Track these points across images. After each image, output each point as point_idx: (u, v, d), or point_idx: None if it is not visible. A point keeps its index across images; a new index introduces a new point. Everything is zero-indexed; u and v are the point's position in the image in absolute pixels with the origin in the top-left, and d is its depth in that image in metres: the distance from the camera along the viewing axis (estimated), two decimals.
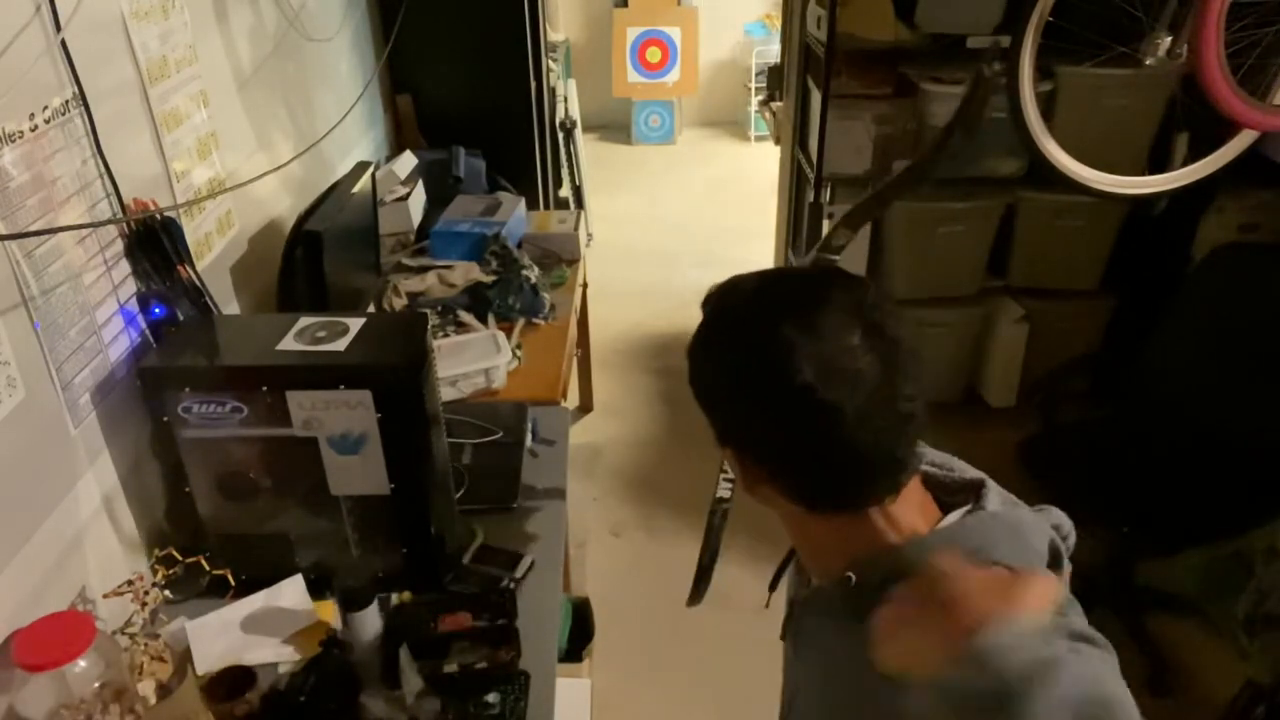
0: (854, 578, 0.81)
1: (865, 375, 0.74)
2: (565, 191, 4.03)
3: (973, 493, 0.86)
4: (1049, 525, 0.85)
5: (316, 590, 1.43)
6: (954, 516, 0.84)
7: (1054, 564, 0.83)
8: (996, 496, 0.85)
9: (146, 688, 1.15)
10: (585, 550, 2.77)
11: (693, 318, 0.89)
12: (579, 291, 2.76)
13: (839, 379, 0.73)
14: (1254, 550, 2.27)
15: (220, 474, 1.38)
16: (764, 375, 0.76)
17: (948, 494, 0.87)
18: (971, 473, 0.88)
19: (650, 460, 3.20)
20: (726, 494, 1.45)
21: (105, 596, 1.30)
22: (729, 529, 1.43)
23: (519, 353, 2.20)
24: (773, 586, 1.03)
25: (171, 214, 1.51)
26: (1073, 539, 0.87)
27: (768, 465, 0.81)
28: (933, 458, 0.89)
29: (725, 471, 1.44)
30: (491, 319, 2.31)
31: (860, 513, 0.81)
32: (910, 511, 0.82)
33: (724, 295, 0.88)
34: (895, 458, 0.78)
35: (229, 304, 1.82)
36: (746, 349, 0.78)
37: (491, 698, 1.26)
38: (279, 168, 1.97)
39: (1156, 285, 2.78)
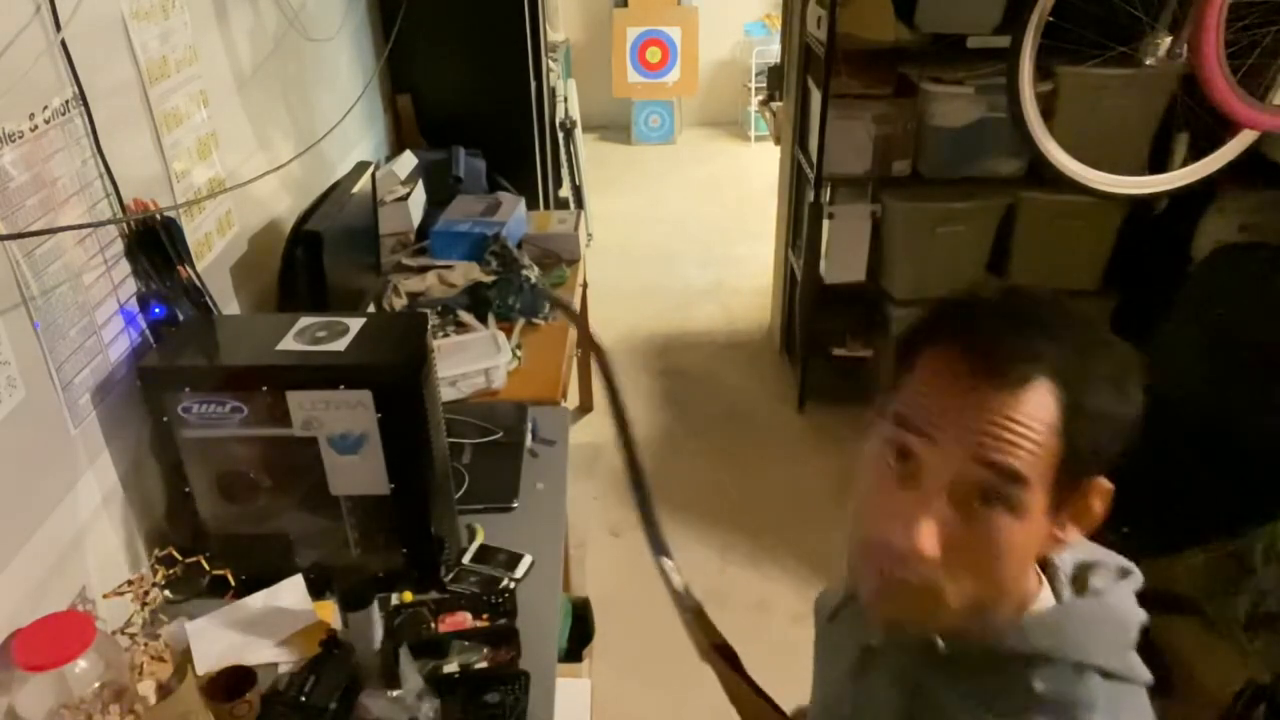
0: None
1: None
2: (565, 191, 4.03)
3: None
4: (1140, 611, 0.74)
5: (316, 590, 1.43)
6: (1063, 592, 0.74)
7: None
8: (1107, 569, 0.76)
9: (146, 688, 1.15)
10: (585, 550, 2.77)
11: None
12: (579, 291, 2.76)
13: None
14: (1254, 550, 2.27)
15: (220, 474, 1.38)
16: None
17: None
18: None
19: (650, 460, 3.19)
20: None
21: (105, 596, 1.30)
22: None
23: (519, 353, 2.20)
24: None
25: (171, 214, 1.51)
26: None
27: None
28: None
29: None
30: (491, 319, 2.31)
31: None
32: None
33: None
34: None
35: (229, 304, 1.82)
36: None
37: (491, 698, 1.26)
38: (279, 168, 1.97)
39: (1156, 285, 2.78)
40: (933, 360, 0.68)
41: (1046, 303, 0.69)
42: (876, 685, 0.80)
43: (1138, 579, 0.76)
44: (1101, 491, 0.68)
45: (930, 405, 0.66)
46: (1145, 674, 0.70)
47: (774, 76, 3.93)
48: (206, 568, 1.40)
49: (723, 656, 1.09)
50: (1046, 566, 0.75)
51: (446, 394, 1.97)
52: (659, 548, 1.13)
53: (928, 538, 0.65)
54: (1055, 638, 0.69)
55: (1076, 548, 0.75)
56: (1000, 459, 0.63)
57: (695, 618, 1.12)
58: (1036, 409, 0.63)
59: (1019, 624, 0.70)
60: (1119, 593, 0.74)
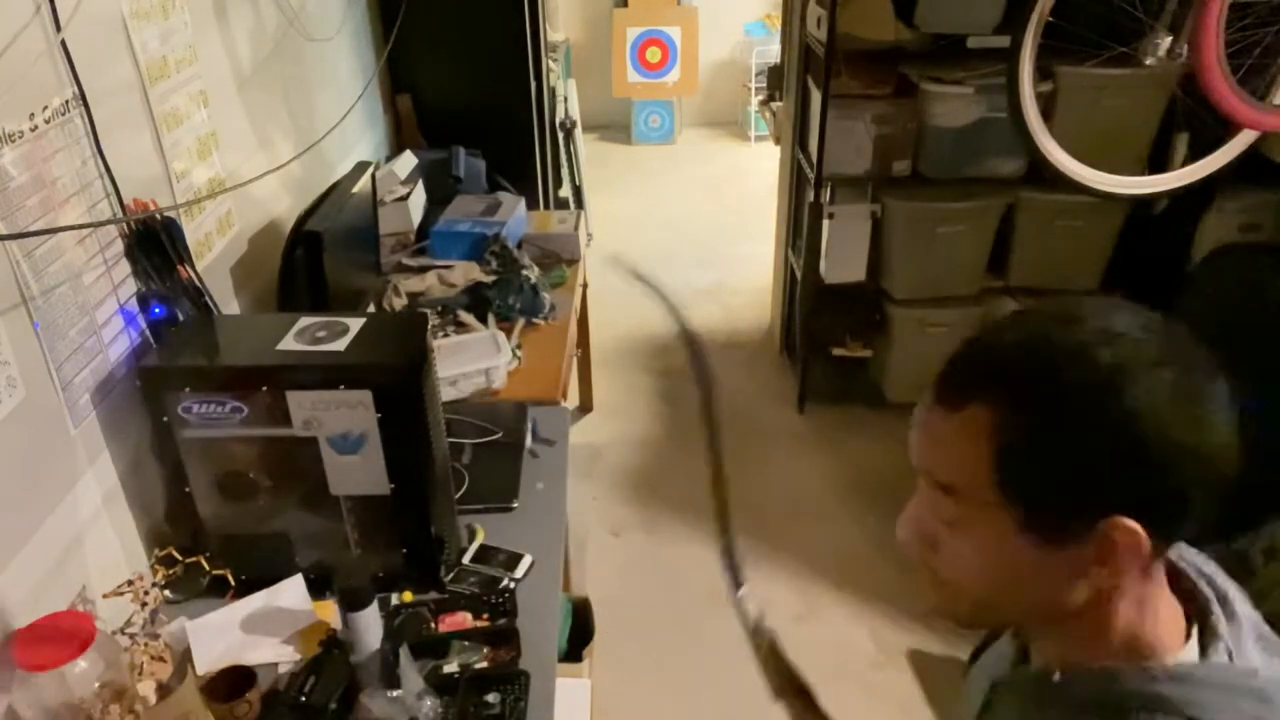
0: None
1: None
2: (565, 191, 4.03)
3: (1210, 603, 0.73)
4: None
5: (316, 590, 1.43)
6: (1193, 649, 0.71)
7: None
8: (1249, 624, 0.72)
9: (146, 688, 1.15)
10: (585, 550, 2.77)
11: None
12: (579, 291, 2.76)
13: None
14: (1254, 550, 2.27)
15: (220, 474, 1.38)
16: None
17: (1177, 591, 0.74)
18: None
19: (650, 460, 3.20)
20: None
21: (105, 596, 1.30)
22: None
23: (519, 353, 2.20)
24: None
25: (171, 214, 1.51)
26: None
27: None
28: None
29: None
30: (491, 319, 2.31)
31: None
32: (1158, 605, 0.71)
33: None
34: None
35: (229, 304, 1.82)
36: None
37: (491, 698, 1.26)
38: (279, 168, 1.97)
39: (1156, 285, 2.78)
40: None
41: (1039, 335, 0.70)
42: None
43: None
44: (1123, 530, 0.66)
45: (912, 423, 0.75)
46: None
47: (774, 76, 3.93)
48: (206, 568, 1.40)
49: (799, 695, 1.06)
50: (1205, 623, 0.73)
51: (446, 394, 1.97)
52: (736, 579, 1.12)
53: (901, 526, 0.76)
54: (1176, 688, 0.68)
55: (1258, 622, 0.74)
56: (924, 465, 0.73)
57: (769, 653, 1.09)
58: (966, 426, 0.69)
59: (1142, 667, 0.70)
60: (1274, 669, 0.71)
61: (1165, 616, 0.72)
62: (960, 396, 0.70)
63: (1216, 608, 0.72)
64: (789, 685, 1.07)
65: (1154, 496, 0.66)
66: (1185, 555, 0.77)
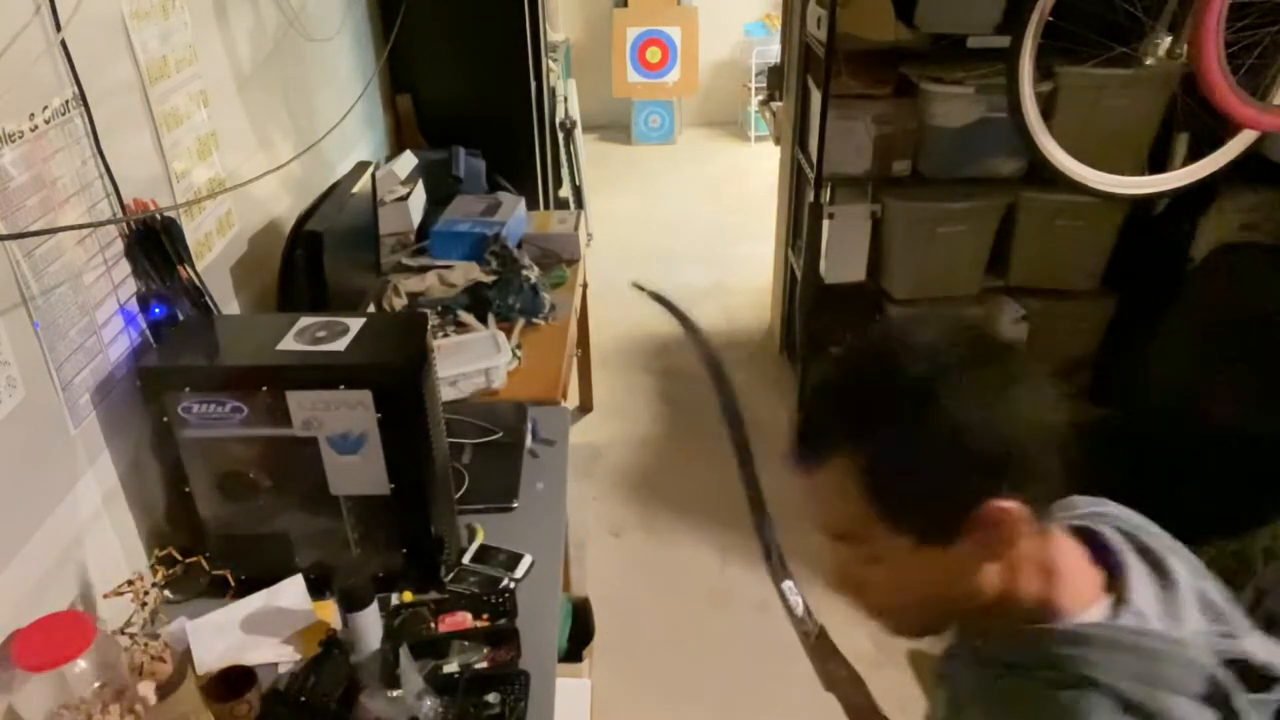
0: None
1: None
2: (565, 191, 4.03)
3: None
4: (1207, 659, 0.73)
5: (316, 590, 1.43)
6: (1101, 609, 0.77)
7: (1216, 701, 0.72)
8: (1145, 584, 0.79)
9: (146, 688, 1.15)
10: (585, 550, 2.77)
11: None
12: (579, 291, 2.76)
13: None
14: (1254, 550, 2.27)
15: (220, 474, 1.38)
16: None
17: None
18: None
19: (650, 460, 3.20)
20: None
21: (105, 596, 1.30)
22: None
23: (519, 353, 2.20)
24: None
25: (171, 214, 1.51)
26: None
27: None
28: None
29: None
30: (491, 319, 2.31)
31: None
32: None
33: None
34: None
35: (229, 304, 1.82)
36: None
37: (491, 698, 1.26)
38: (279, 168, 1.97)
39: (1156, 285, 2.78)
40: None
41: (856, 377, 0.80)
42: (938, 699, 0.90)
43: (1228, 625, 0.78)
44: (995, 510, 0.73)
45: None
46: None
47: (774, 76, 3.93)
48: (206, 568, 1.40)
49: (853, 684, 1.12)
50: (1120, 589, 0.78)
51: (446, 394, 1.97)
52: (780, 572, 1.19)
53: (829, 582, 0.84)
54: (1072, 648, 0.75)
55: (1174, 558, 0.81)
56: (817, 525, 0.81)
57: (818, 643, 1.15)
58: (831, 481, 0.77)
59: (1048, 629, 0.76)
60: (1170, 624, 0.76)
61: (1077, 583, 0.79)
62: (815, 457, 0.78)
63: (1139, 575, 0.79)
64: (840, 676, 1.12)
65: (1002, 473, 0.72)
66: (1131, 530, 0.84)
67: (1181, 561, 0.81)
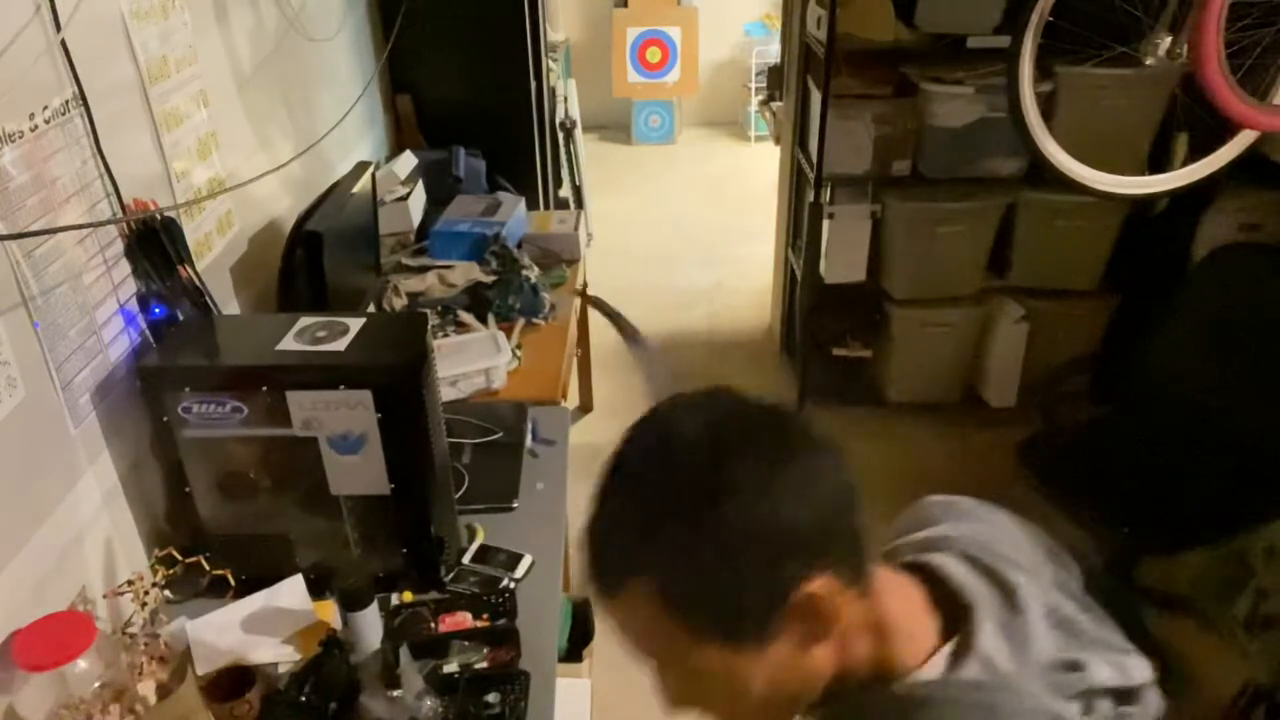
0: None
1: None
2: (565, 191, 4.03)
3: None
4: (1048, 701, 0.71)
5: (316, 590, 1.43)
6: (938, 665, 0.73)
7: None
8: (991, 617, 0.74)
9: (146, 688, 1.15)
10: None
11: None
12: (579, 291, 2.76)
13: None
14: (1254, 550, 2.27)
15: (220, 474, 1.38)
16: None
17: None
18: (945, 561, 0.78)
19: None
20: None
21: (105, 596, 1.31)
22: None
23: (519, 353, 2.20)
24: None
25: (171, 214, 1.51)
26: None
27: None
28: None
29: None
30: (491, 319, 2.31)
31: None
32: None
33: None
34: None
35: (229, 304, 1.82)
36: None
37: (491, 698, 1.26)
38: (279, 168, 1.97)
39: (1156, 285, 2.78)
40: None
41: (629, 500, 0.74)
42: None
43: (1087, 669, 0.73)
44: (805, 596, 0.68)
45: None
46: None
47: (774, 76, 3.93)
48: (206, 568, 1.40)
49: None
50: (964, 632, 0.74)
51: (446, 394, 1.97)
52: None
53: (662, 705, 0.79)
54: (914, 710, 0.71)
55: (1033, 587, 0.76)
56: (631, 651, 0.77)
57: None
58: (631, 606, 0.73)
59: (885, 693, 0.73)
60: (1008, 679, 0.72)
61: (914, 634, 0.74)
62: (612, 586, 0.74)
63: (985, 608, 0.74)
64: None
65: (807, 554, 0.68)
66: (977, 553, 0.79)
67: (1030, 577, 0.77)
